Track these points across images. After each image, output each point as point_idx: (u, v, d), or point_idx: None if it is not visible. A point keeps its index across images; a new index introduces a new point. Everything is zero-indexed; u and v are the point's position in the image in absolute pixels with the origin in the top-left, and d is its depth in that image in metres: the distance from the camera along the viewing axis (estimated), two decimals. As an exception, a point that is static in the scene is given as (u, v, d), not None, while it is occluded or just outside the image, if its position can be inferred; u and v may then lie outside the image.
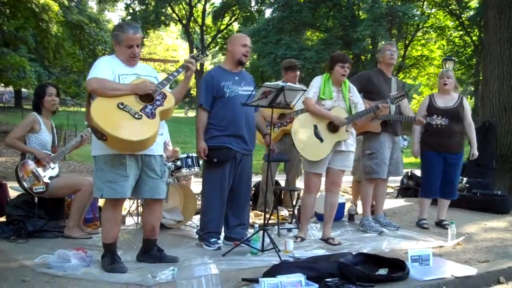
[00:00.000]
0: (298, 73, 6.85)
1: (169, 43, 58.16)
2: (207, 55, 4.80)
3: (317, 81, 5.53)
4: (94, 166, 4.25)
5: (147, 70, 4.44)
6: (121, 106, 3.97)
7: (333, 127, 5.36)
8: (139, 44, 4.31)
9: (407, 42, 35.46)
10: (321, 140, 5.31)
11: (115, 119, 3.90)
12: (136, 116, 3.97)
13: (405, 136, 6.99)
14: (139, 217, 6.16)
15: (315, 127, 5.35)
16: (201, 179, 5.33)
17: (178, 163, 6.13)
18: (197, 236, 5.38)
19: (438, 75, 6.85)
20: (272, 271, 3.81)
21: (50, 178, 5.32)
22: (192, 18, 46.06)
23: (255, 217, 6.44)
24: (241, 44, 5.18)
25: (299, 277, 3.64)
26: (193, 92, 45.45)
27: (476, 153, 6.73)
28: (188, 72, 4.45)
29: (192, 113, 46.08)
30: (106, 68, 4.10)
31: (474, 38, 33.46)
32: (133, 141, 3.89)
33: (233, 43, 5.25)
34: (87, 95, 4.15)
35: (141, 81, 4.12)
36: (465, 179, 8.61)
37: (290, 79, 6.67)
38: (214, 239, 5.10)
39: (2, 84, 31.19)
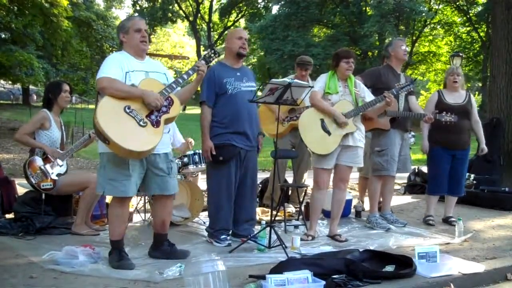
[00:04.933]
0: (308, 71, 6.84)
1: (176, 40, 58.15)
2: (218, 55, 4.76)
3: (322, 78, 5.55)
4: (99, 163, 4.29)
5: (156, 66, 4.47)
6: (128, 110, 3.97)
7: None
8: (146, 30, 4.35)
9: (414, 38, 35.38)
10: (329, 133, 5.30)
11: (120, 125, 3.89)
12: (141, 123, 3.97)
13: (412, 133, 6.95)
14: (146, 214, 6.19)
15: (322, 120, 5.34)
16: (208, 176, 5.33)
17: (185, 159, 6.16)
18: (204, 233, 5.40)
19: (447, 71, 6.77)
20: (279, 268, 3.81)
21: (58, 175, 5.34)
22: (199, 15, 46.08)
23: (262, 214, 6.45)
24: (236, 37, 5.17)
25: (306, 273, 3.65)
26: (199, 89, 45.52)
27: (485, 148, 6.71)
28: (199, 75, 4.44)
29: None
30: (116, 67, 4.11)
31: (481, 34, 33.38)
32: (134, 151, 3.90)
33: (228, 39, 5.27)
34: (96, 93, 4.16)
35: (150, 91, 4.08)
36: (472, 175, 8.58)
37: (299, 75, 6.74)
38: (224, 236, 5.10)
39: (10, 82, 31.29)
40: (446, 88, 6.60)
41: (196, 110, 27.05)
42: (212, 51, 4.65)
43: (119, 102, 3.97)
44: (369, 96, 5.58)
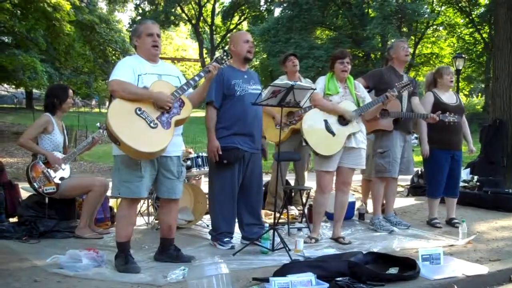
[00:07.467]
0: (296, 60, 6.80)
1: (178, 43, 58.25)
2: (231, 57, 4.71)
3: (321, 79, 5.55)
4: (113, 165, 4.34)
5: (169, 69, 4.50)
6: (139, 112, 4.00)
7: (343, 120, 5.35)
8: (159, 34, 4.37)
9: (417, 39, 35.31)
10: (333, 134, 5.29)
11: (130, 126, 3.92)
12: (151, 125, 4.00)
13: (415, 135, 6.93)
14: (150, 217, 6.19)
15: (326, 121, 5.32)
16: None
17: (188, 162, 6.15)
18: (207, 236, 5.40)
19: (442, 71, 6.60)
20: (283, 271, 3.82)
21: (61, 179, 5.35)
22: (202, 18, 46.15)
23: (265, 217, 6.44)
24: (244, 40, 5.16)
25: (309, 276, 3.64)
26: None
27: (474, 149, 6.83)
28: (209, 74, 4.39)
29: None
30: (127, 69, 4.14)
31: (484, 35, 33.30)
32: (144, 152, 3.93)
33: (235, 42, 5.22)
34: (109, 96, 4.21)
35: (161, 92, 4.10)
36: (476, 177, 8.57)
37: (290, 67, 6.74)
38: (227, 239, 5.11)
39: (13, 86, 31.36)
40: (438, 88, 6.55)
41: (200, 113, 26.98)
42: (225, 53, 4.61)
43: (130, 104, 4.01)
44: (368, 98, 5.58)
